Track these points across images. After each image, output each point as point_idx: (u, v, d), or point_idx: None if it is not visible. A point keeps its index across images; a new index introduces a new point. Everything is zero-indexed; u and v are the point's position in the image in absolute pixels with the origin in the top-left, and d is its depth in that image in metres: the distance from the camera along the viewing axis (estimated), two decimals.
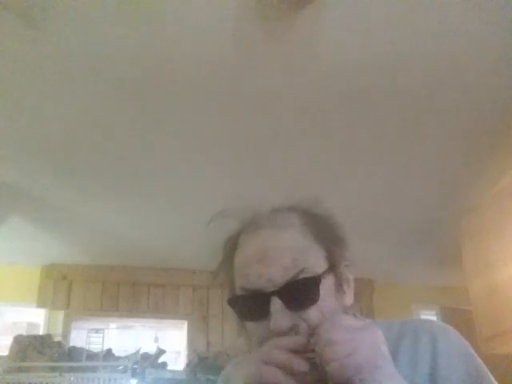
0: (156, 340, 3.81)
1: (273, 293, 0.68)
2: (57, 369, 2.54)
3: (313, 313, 0.69)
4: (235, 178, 2.54)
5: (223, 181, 2.56)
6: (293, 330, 0.67)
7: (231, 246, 0.81)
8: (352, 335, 0.61)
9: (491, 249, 2.36)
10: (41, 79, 1.78)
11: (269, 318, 0.68)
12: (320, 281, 0.69)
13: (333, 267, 0.73)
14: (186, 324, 3.78)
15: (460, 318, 2.83)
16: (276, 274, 0.69)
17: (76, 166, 2.39)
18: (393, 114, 2.02)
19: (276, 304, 0.67)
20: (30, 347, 2.62)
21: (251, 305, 0.72)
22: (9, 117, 2.01)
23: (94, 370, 2.63)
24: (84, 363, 2.63)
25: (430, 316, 3.96)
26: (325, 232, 0.75)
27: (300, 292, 0.69)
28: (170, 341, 3.92)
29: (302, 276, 0.69)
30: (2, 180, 2.49)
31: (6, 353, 2.66)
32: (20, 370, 2.54)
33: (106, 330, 2.94)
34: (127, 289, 3.75)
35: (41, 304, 3.57)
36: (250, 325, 0.74)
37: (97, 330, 2.86)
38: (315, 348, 0.63)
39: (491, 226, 2.38)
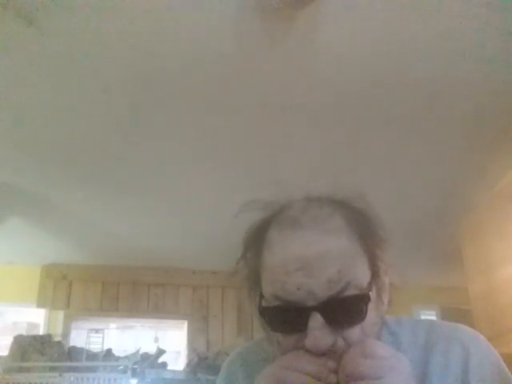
0: (156, 340, 3.80)
1: (314, 307, 0.61)
2: (57, 369, 2.54)
3: (355, 330, 0.63)
4: (235, 178, 2.53)
5: (223, 181, 2.56)
6: (332, 349, 0.61)
7: (259, 239, 0.70)
8: (378, 368, 0.57)
9: (491, 249, 2.36)
10: (41, 79, 1.78)
11: (304, 333, 0.61)
12: (370, 299, 0.63)
13: (375, 275, 0.66)
14: (185, 324, 3.78)
15: (460, 318, 2.82)
16: (318, 286, 0.61)
17: (76, 166, 2.39)
18: (393, 114, 2.02)
19: (316, 320, 0.60)
20: (30, 347, 2.62)
21: (286, 317, 0.64)
22: (9, 117, 2.01)
23: (94, 369, 2.63)
24: (84, 363, 2.63)
25: (429, 316, 3.96)
26: (370, 234, 0.67)
27: (345, 310, 0.62)
28: (170, 341, 3.92)
29: (347, 292, 0.61)
30: (2, 180, 2.49)
31: (5, 353, 2.66)
32: (20, 369, 2.54)
33: (106, 330, 2.94)
34: (127, 289, 3.75)
35: (41, 304, 3.57)
36: (279, 335, 0.66)
37: (97, 330, 2.86)
38: (339, 377, 0.59)
39: (491, 226, 2.38)
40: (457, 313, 3.49)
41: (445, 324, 0.75)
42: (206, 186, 2.61)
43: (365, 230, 0.67)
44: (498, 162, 2.35)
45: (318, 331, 0.60)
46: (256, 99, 1.92)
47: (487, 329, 2.32)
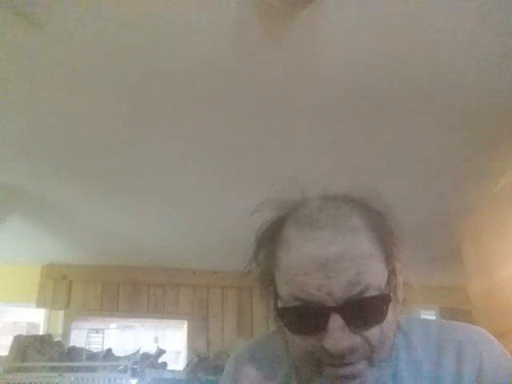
0: (156, 340, 3.81)
1: (333, 308, 0.60)
2: (57, 369, 2.54)
3: (375, 331, 0.62)
4: (235, 178, 2.54)
5: (223, 181, 2.56)
6: (350, 350, 0.61)
7: (274, 238, 0.68)
8: None
9: (491, 249, 2.36)
10: (40, 79, 1.78)
11: (322, 334, 0.61)
12: (390, 299, 0.62)
13: (392, 275, 0.66)
14: (185, 324, 3.78)
15: (459, 318, 2.82)
16: (338, 288, 0.60)
17: (76, 166, 2.39)
18: (392, 114, 2.02)
19: (336, 321, 0.60)
20: (30, 347, 2.62)
21: (305, 318, 0.63)
22: (9, 117, 2.01)
23: (93, 370, 2.63)
24: (84, 363, 2.64)
25: (429, 316, 3.96)
26: (387, 234, 0.67)
27: (365, 311, 0.61)
28: (170, 341, 3.93)
29: (367, 293, 0.61)
30: (2, 180, 2.49)
31: (6, 353, 2.66)
32: (20, 369, 2.54)
33: (106, 330, 2.95)
34: (127, 289, 3.75)
35: (41, 304, 3.57)
36: (296, 336, 0.65)
37: (97, 330, 2.87)
38: None
39: (491, 225, 2.38)
40: (456, 313, 3.49)
41: (457, 325, 0.75)
42: (206, 186, 2.61)
43: (382, 229, 0.67)
44: (498, 162, 2.35)
45: (337, 332, 0.60)
46: (256, 99, 1.92)
47: (487, 329, 2.32)
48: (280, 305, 0.65)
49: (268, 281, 0.69)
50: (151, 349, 3.11)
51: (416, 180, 2.55)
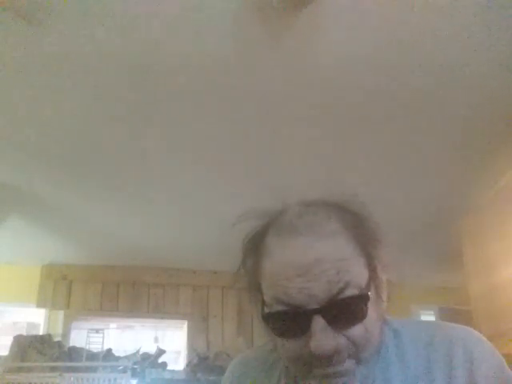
0: (156, 340, 3.81)
1: (315, 310, 0.62)
2: (57, 369, 2.55)
3: (357, 329, 0.64)
4: (235, 179, 2.54)
5: (223, 181, 2.56)
6: (335, 351, 0.62)
7: (257, 247, 0.71)
8: None
9: (491, 249, 2.36)
10: (40, 79, 1.78)
11: (307, 336, 0.63)
12: (369, 298, 0.64)
13: (373, 274, 0.68)
14: (185, 324, 3.78)
15: (459, 319, 2.82)
16: (319, 289, 0.62)
17: (76, 166, 2.39)
18: (392, 114, 2.02)
19: (319, 323, 0.62)
20: (30, 347, 2.62)
21: (289, 321, 0.65)
22: (9, 117, 2.01)
23: (94, 370, 2.63)
24: (84, 363, 2.64)
25: (428, 316, 3.96)
26: (365, 235, 0.69)
27: (346, 310, 0.63)
28: (170, 341, 3.93)
29: (347, 292, 0.63)
30: (2, 180, 2.49)
31: (6, 353, 2.66)
32: (20, 370, 2.54)
33: (105, 330, 2.94)
34: (127, 289, 3.75)
35: (41, 304, 3.57)
36: (284, 340, 0.67)
37: (97, 330, 2.87)
38: None
39: (491, 226, 2.38)
40: (455, 313, 3.49)
41: (448, 325, 0.76)
42: (206, 187, 2.61)
43: (360, 231, 0.68)
44: (498, 162, 2.35)
45: (320, 334, 0.61)
46: (256, 99, 1.92)
47: (487, 329, 2.32)
48: (266, 310, 0.68)
49: (255, 288, 0.71)
50: (151, 349, 3.11)
51: (416, 180, 2.55)
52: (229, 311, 3.82)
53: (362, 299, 0.64)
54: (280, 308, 0.65)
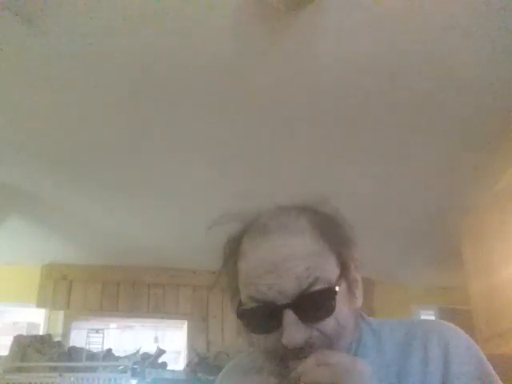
0: (156, 340, 3.80)
1: (285, 305, 0.65)
2: (57, 369, 2.54)
3: (328, 323, 0.66)
4: (235, 178, 2.54)
5: (223, 181, 2.56)
6: (307, 343, 0.64)
7: (234, 250, 0.75)
8: (332, 374, 0.59)
9: (491, 249, 2.36)
10: (40, 79, 1.78)
11: (280, 331, 0.64)
12: (336, 292, 0.66)
13: (344, 271, 0.70)
14: (185, 324, 3.77)
15: (459, 319, 2.82)
16: (288, 285, 0.65)
17: (76, 166, 2.39)
18: (392, 114, 2.02)
19: (289, 317, 0.64)
20: (30, 347, 2.62)
21: (261, 317, 0.67)
22: (8, 117, 2.01)
23: (93, 369, 2.63)
24: (84, 363, 2.63)
25: (428, 316, 3.96)
26: (335, 234, 0.71)
27: (315, 304, 0.65)
28: (170, 341, 3.92)
29: (316, 287, 0.65)
30: (2, 180, 2.49)
31: (6, 353, 2.66)
32: (20, 369, 2.54)
33: (105, 330, 2.94)
34: (127, 289, 3.74)
35: (41, 304, 3.57)
36: (257, 336, 0.70)
37: (97, 330, 2.87)
38: None
39: (491, 226, 2.38)
40: (455, 313, 3.49)
41: (424, 320, 0.79)
42: (206, 187, 2.61)
43: (329, 230, 0.71)
44: (498, 162, 2.35)
45: (292, 327, 0.63)
46: (256, 99, 1.92)
47: (487, 329, 2.32)
48: (241, 308, 0.71)
49: (233, 290, 0.75)
50: (151, 349, 3.11)
51: (416, 180, 2.55)
52: (229, 311, 3.81)
53: (329, 293, 0.66)
54: (253, 305, 0.68)
